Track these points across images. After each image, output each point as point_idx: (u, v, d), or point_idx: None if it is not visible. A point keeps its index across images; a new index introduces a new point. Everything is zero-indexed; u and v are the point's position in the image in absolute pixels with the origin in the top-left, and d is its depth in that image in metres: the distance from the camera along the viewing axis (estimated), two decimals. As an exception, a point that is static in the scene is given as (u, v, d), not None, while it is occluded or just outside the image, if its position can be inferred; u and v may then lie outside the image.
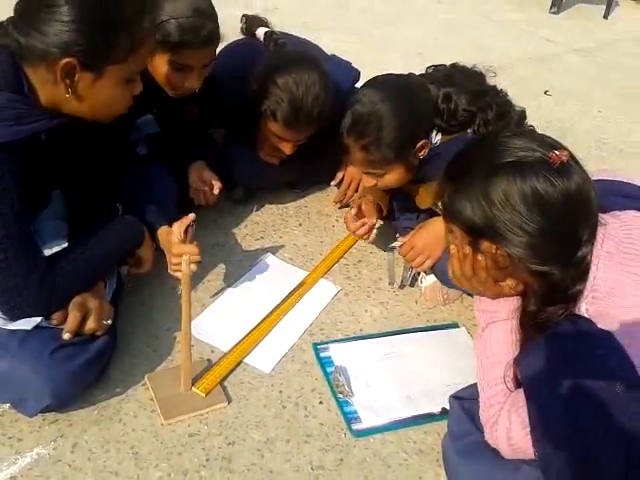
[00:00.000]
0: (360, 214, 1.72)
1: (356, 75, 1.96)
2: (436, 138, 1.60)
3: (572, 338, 0.98)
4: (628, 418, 0.91)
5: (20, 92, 1.16)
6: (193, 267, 1.29)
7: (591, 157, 2.66)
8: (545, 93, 3.25)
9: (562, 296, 1.04)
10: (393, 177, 1.59)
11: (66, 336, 1.19)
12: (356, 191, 1.95)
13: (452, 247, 1.14)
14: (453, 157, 1.12)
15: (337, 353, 1.49)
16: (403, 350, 1.52)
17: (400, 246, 1.62)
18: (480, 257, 1.09)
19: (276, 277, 1.71)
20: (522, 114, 1.67)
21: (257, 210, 1.98)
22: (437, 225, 1.52)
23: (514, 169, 1.03)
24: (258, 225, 1.93)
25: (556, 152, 1.05)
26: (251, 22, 1.96)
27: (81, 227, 1.38)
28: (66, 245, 1.36)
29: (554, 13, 4.80)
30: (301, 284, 1.69)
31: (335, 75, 1.85)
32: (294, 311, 1.60)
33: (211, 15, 1.58)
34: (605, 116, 3.07)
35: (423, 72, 1.75)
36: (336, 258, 1.82)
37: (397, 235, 1.74)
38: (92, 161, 1.41)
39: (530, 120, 2.82)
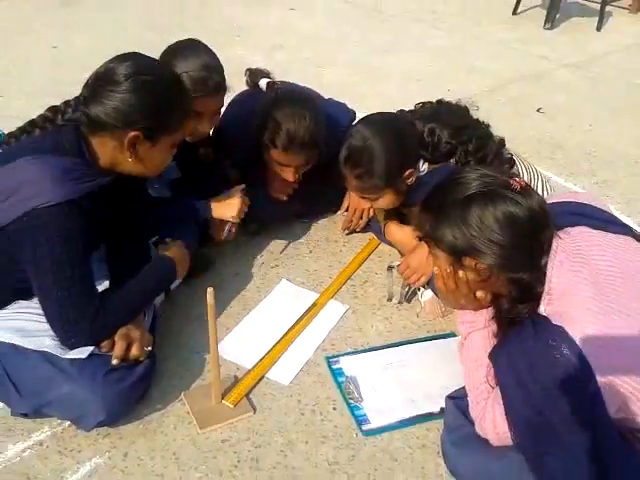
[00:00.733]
0: None
1: (352, 114, 2.18)
2: (423, 167, 1.82)
3: (530, 333, 1.18)
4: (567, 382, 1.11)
5: (82, 157, 1.42)
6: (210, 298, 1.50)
7: (581, 169, 2.84)
8: (538, 111, 3.44)
9: (529, 296, 1.23)
10: (385, 201, 1.83)
11: (115, 362, 1.42)
12: (360, 218, 2.16)
13: (436, 268, 1.35)
14: (428, 193, 1.33)
15: (347, 365, 1.69)
16: (406, 359, 1.72)
17: (398, 265, 1.83)
18: (461, 274, 1.29)
19: (291, 300, 1.92)
20: (500, 142, 1.88)
21: (272, 240, 2.20)
22: (425, 250, 1.73)
23: (484, 196, 1.24)
24: (272, 254, 2.15)
25: (516, 179, 1.25)
26: (254, 74, 2.19)
27: (121, 267, 1.61)
28: (107, 283, 1.60)
29: (548, 29, 4.98)
30: (313, 305, 1.90)
31: (334, 113, 2.09)
32: (308, 330, 1.81)
33: (217, 68, 1.84)
34: (595, 130, 3.25)
35: (412, 108, 1.98)
36: (344, 280, 2.02)
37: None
38: (131, 209, 1.65)
39: (522, 138, 3.07)
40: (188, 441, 1.47)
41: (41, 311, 1.45)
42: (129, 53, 1.49)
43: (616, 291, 1.19)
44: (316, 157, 1.97)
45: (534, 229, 1.23)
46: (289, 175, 1.98)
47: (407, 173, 1.76)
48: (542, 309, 1.22)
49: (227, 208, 1.90)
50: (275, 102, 1.93)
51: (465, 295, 1.32)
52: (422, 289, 1.90)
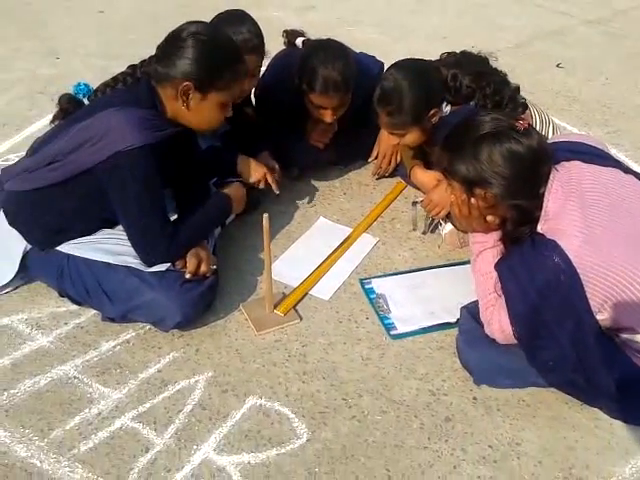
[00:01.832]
0: None
1: (381, 64, 2.43)
2: (446, 108, 2.07)
3: (528, 247, 1.45)
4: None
5: (156, 109, 1.71)
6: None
7: (595, 120, 3.04)
8: (557, 66, 3.63)
9: (529, 219, 1.50)
10: (411, 137, 2.08)
11: (188, 276, 1.73)
12: (389, 163, 2.43)
13: (452, 197, 1.62)
14: (446, 135, 1.60)
15: (378, 284, 1.99)
16: (427, 280, 2.00)
17: (421, 201, 2.11)
18: (473, 201, 1.56)
19: (328, 233, 2.21)
20: (516, 89, 2.11)
21: (310, 184, 2.48)
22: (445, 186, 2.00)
23: (492, 136, 1.50)
24: (310, 195, 2.43)
25: (520, 121, 1.51)
26: (291, 35, 2.43)
27: (186, 203, 1.92)
28: (176, 216, 1.91)
29: (572, -16, 5.08)
30: (348, 238, 2.19)
31: (364, 63, 2.35)
32: (344, 257, 2.10)
33: (256, 32, 2.11)
34: (611, 83, 3.43)
35: (438, 58, 2.22)
36: (375, 217, 2.30)
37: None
38: (193, 156, 1.94)
39: (542, 91, 3.27)
40: (247, 341, 1.79)
41: (124, 236, 1.77)
42: (197, 20, 1.75)
43: (600, 212, 1.45)
44: (350, 99, 2.21)
45: (534, 164, 1.49)
46: (327, 117, 2.22)
47: (432, 112, 2.01)
48: (539, 228, 1.49)
49: (250, 173, 2.13)
50: (310, 50, 2.20)
51: (477, 219, 1.59)
52: (443, 223, 2.18)
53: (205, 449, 1.49)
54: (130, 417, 1.56)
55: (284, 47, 2.47)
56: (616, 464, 1.48)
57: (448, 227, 2.15)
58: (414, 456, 1.49)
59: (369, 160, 2.51)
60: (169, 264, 1.74)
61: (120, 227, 1.82)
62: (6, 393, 1.61)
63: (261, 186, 2.15)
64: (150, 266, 1.73)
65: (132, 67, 1.80)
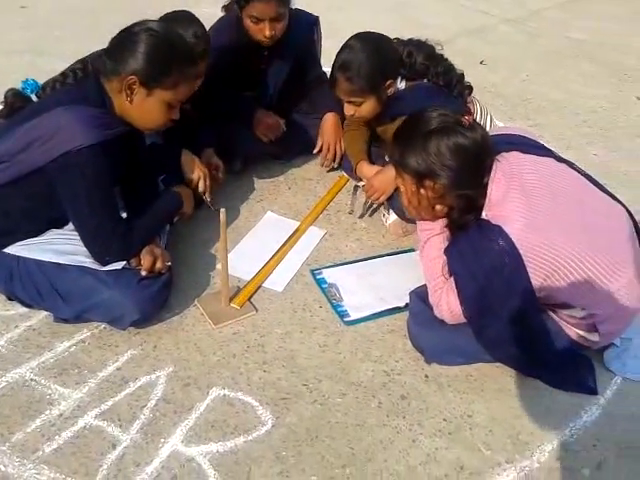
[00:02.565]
0: None
1: (316, 17, 2.56)
2: (401, 84, 2.15)
3: (474, 232, 1.56)
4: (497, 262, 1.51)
5: (105, 106, 1.70)
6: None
7: (517, 114, 3.24)
8: (481, 63, 3.82)
9: (474, 207, 1.61)
10: (367, 107, 2.12)
11: (144, 273, 1.74)
12: (335, 154, 2.50)
13: (402, 187, 1.70)
14: (396, 130, 1.68)
15: (329, 274, 2.05)
16: (375, 268, 2.09)
17: (362, 185, 2.23)
18: (423, 191, 1.64)
19: (277, 227, 2.26)
20: (462, 75, 2.22)
21: (254, 179, 2.52)
22: (388, 172, 2.12)
23: (440, 131, 1.59)
24: (256, 191, 2.47)
25: (465, 117, 1.61)
26: (227, 6, 2.44)
27: (135, 200, 1.92)
28: (124, 215, 1.90)
29: (490, -15, 5.34)
30: (296, 231, 2.25)
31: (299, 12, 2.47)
32: (294, 249, 2.16)
33: (202, 36, 2.10)
34: (531, 79, 3.65)
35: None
36: (320, 210, 2.37)
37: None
38: (140, 154, 1.94)
39: (468, 87, 3.33)
40: (205, 335, 1.81)
41: (74, 235, 1.75)
42: (150, 19, 1.76)
43: (540, 198, 1.57)
44: (286, 14, 2.28)
45: (478, 156, 1.59)
46: (265, 30, 2.25)
47: (388, 83, 2.08)
48: (484, 214, 1.60)
49: (191, 169, 2.11)
50: None
51: (425, 208, 1.68)
52: (387, 214, 2.27)
53: (173, 441, 1.51)
54: (93, 415, 1.56)
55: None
56: (557, 427, 1.61)
57: (392, 217, 2.25)
58: (375, 434, 1.57)
59: (314, 151, 2.57)
60: (124, 262, 1.74)
61: (69, 227, 1.80)
62: (-41, 401, 1.57)
63: (200, 188, 2.12)
64: (104, 265, 1.73)
65: (82, 62, 1.78)
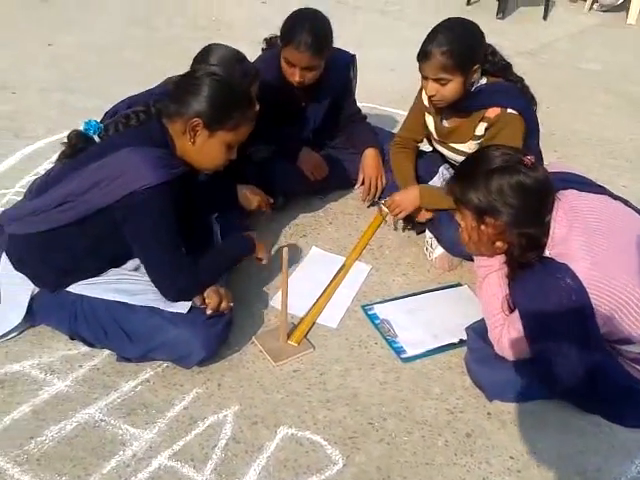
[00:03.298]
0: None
1: (353, 56, 2.64)
2: (483, 80, 2.19)
3: (541, 270, 1.59)
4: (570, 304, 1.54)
5: (167, 147, 1.74)
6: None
7: (543, 146, 3.29)
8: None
9: (536, 245, 1.64)
10: (453, 87, 2.10)
11: (209, 312, 1.76)
12: (376, 188, 2.55)
13: (462, 223, 1.74)
14: (459, 166, 1.72)
15: (380, 310, 2.08)
16: (425, 304, 2.12)
17: (385, 201, 2.35)
18: (483, 228, 1.68)
19: (323, 263, 2.29)
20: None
21: (296, 215, 2.56)
22: (412, 190, 2.28)
23: (503, 170, 1.63)
24: (299, 226, 2.51)
25: (527, 157, 1.65)
26: (270, 40, 2.54)
27: (196, 238, 1.95)
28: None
29: (500, 18, 5.46)
30: (343, 266, 2.28)
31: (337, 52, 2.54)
32: (343, 284, 2.19)
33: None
34: (552, 111, 3.72)
35: None
36: (363, 245, 2.41)
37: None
38: (199, 193, 1.98)
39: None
40: (266, 372, 1.83)
41: (137, 275, 1.79)
42: (212, 64, 1.82)
43: (602, 237, 1.61)
44: (319, 67, 2.36)
45: (540, 195, 1.64)
46: (295, 76, 2.33)
47: (475, 67, 2.12)
48: (547, 253, 1.64)
49: (249, 202, 2.25)
50: (294, 12, 2.37)
51: (485, 244, 1.72)
52: (431, 248, 2.31)
53: (248, 482, 1.52)
54: (166, 456, 1.57)
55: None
56: (622, 464, 1.63)
57: (438, 251, 2.29)
58: (446, 472, 1.58)
59: (355, 187, 2.62)
60: (190, 304, 1.76)
61: (127, 266, 1.83)
62: (33, 441, 1.58)
63: (266, 210, 2.27)
64: (172, 301, 1.75)
65: (144, 105, 1.82)
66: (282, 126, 2.56)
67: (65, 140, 1.85)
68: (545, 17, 5.59)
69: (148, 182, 1.65)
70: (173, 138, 1.78)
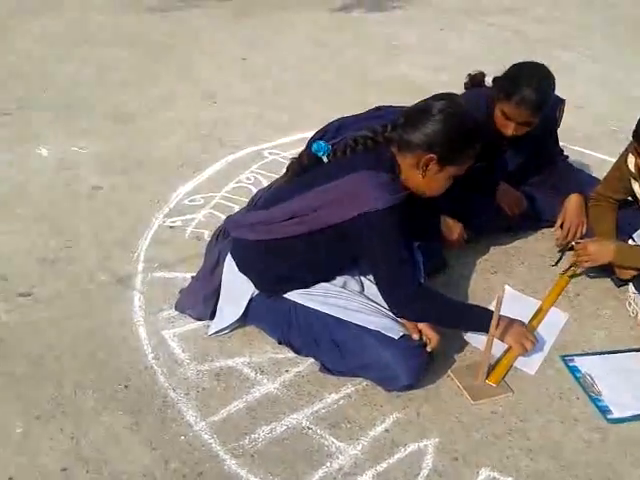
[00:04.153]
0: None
1: (562, 101, 2.53)
2: None
3: None
4: None
5: (393, 172, 1.79)
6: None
7: None
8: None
9: None
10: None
11: (429, 349, 1.80)
12: (574, 236, 2.46)
13: None
14: None
15: (581, 363, 1.99)
16: (632, 364, 2.00)
17: (577, 243, 2.27)
18: None
19: (517, 304, 2.23)
20: None
21: (486, 250, 2.53)
22: (605, 245, 2.19)
23: None
24: (488, 262, 2.47)
25: None
26: (475, 77, 2.48)
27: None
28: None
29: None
30: (538, 311, 2.21)
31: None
32: (539, 330, 2.12)
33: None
34: None
35: None
36: (559, 291, 2.32)
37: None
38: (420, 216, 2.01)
39: None
40: (464, 409, 1.81)
41: (345, 291, 1.87)
42: (445, 93, 1.84)
43: None
44: (536, 123, 2.30)
45: None
46: (509, 129, 2.30)
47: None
48: None
49: (451, 231, 2.26)
50: (520, 64, 2.32)
51: None
52: (633, 304, 2.18)
53: (452, 518, 1.51)
54: (370, 475, 1.60)
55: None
56: None
57: (643, 307, 2.16)
58: None
59: (553, 230, 2.54)
60: (403, 332, 1.79)
61: (337, 282, 1.92)
62: (247, 437, 1.67)
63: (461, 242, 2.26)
64: (395, 312, 1.81)
65: (372, 130, 1.88)
66: (481, 163, 2.54)
67: (294, 157, 1.97)
68: None
69: (381, 204, 1.70)
70: (400, 166, 1.82)
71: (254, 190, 2.81)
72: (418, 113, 1.82)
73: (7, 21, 4.79)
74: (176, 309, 2.08)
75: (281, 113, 3.63)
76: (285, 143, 3.28)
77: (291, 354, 1.92)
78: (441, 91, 2.31)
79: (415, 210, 2.21)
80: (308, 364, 1.90)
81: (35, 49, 4.39)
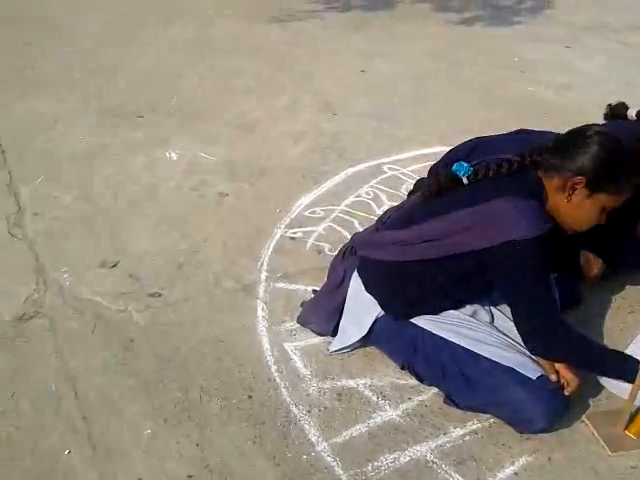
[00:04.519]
0: None
1: None
2: None
3: None
4: None
5: (539, 200, 1.69)
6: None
7: None
8: None
9: None
10: None
11: (567, 392, 1.69)
12: None
13: None
14: None
15: None
16: None
17: None
18: None
19: (658, 349, 2.06)
20: None
21: (622, 288, 2.36)
22: None
23: None
24: (626, 301, 2.30)
25: None
26: (617, 108, 2.27)
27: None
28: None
29: None
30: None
31: None
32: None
33: None
34: None
35: None
36: None
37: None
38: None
39: None
40: (601, 459, 1.68)
41: (474, 321, 1.79)
42: (599, 124, 1.74)
43: None
44: None
45: None
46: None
47: None
48: None
49: (590, 267, 2.15)
50: None
51: None
52: None
53: None
54: (499, 521, 1.51)
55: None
56: None
57: None
58: None
59: None
60: (541, 372, 1.69)
61: (466, 310, 1.83)
62: (370, 465, 1.63)
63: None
64: (530, 351, 1.71)
65: (520, 155, 1.79)
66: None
67: (422, 177, 1.91)
68: None
69: (530, 233, 1.61)
70: (547, 192, 1.73)
71: (373, 205, 2.79)
72: (570, 136, 1.72)
73: (140, 30, 5.04)
74: (298, 322, 2.08)
75: (400, 127, 3.58)
76: (405, 158, 3.22)
77: (413, 381, 1.87)
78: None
79: (558, 242, 2.11)
80: (432, 394, 1.84)
81: (164, 56, 4.60)
